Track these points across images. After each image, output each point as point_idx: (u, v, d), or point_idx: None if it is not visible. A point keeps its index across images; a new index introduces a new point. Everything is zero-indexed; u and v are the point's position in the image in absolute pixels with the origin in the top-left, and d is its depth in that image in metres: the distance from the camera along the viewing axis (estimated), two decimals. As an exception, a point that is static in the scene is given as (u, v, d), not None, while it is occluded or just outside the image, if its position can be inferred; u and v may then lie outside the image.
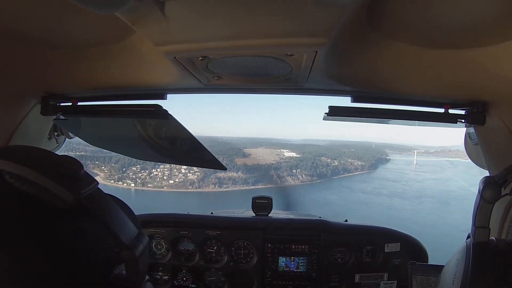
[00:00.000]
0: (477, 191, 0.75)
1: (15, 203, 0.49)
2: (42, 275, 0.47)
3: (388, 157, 37.97)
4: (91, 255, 0.55)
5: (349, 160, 35.14)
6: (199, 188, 27.91)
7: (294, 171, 32.69)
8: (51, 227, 0.51)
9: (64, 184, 0.51)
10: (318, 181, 31.98)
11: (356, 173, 34.29)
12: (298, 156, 34.56)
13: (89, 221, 0.55)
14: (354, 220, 2.05)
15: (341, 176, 33.57)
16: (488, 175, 0.75)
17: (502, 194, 0.71)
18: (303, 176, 32.26)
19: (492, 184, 0.70)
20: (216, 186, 28.78)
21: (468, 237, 0.77)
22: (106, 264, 0.56)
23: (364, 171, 34.47)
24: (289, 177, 31.97)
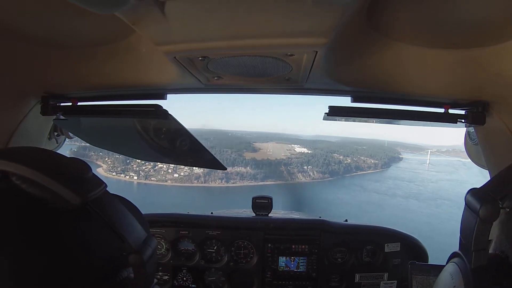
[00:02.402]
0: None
1: (21, 204, 0.49)
2: (46, 277, 0.47)
3: (400, 156, 37.44)
4: (97, 258, 0.54)
5: (362, 157, 34.50)
6: (205, 183, 27.29)
7: (305, 167, 31.99)
8: (56, 229, 0.50)
9: (71, 187, 0.50)
10: (330, 178, 31.34)
11: (369, 171, 33.68)
12: (309, 152, 33.85)
13: (95, 223, 0.54)
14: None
15: (354, 174, 32.90)
16: (476, 187, 0.66)
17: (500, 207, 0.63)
18: (315, 173, 31.61)
19: (490, 201, 0.62)
20: (223, 181, 28.13)
21: (454, 256, 0.69)
22: (113, 267, 0.55)
23: (377, 170, 33.87)
24: (299, 173, 31.27)
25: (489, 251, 0.64)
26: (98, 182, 0.56)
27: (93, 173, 0.56)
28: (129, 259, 0.54)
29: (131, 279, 0.56)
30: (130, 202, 0.71)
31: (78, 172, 0.54)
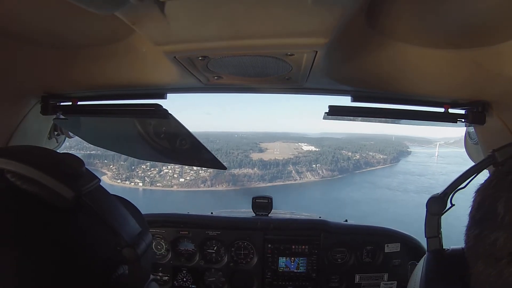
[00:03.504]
0: None
1: (17, 202, 0.49)
2: (42, 275, 0.47)
3: (409, 150, 36.97)
4: (93, 255, 0.54)
5: (370, 153, 34.12)
6: (211, 187, 26.82)
7: (314, 165, 31.46)
8: (52, 226, 0.50)
9: (64, 181, 0.50)
10: (340, 176, 30.77)
11: (378, 167, 33.28)
12: (317, 149, 33.31)
13: (91, 220, 0.54)
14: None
15: (363, 170, 32.38)
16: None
17: (448, 207, 0.79)
18: (324, 171, 31.09)
19: (435, 199, 0.80)
20: (230, 184, 27.66)
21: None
22: (109, 264, 0.55)
23: (387, 165, 33.43)
24: (308, 172, 30.75)
25: None
26: (92, 177, 0.57)
27: (87, 168, 0.57)
28: (122, 252, 0.54)
29: (126, 275, 0.56)
30: (127, 200, 0.72)
31: (71, 167, 0.54)
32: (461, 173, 0.79)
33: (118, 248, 0.54)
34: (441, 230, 0.82)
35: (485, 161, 0.75)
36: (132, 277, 0.56)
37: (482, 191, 0.59)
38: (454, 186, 0.79)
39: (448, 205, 0.80)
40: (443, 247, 0.82)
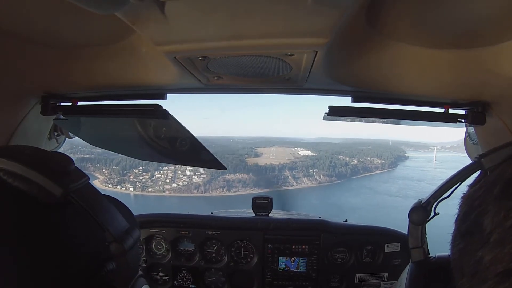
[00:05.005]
0: None
1: (7, 199, 0.50)
2: (32, 271, 0.48)
3: (406, 155, 36.90)
4: (82, 251, 0.55)
5: (368, 158, 33.91)
6: (205, 192, 26.37)
7: (311, 171, 31.16)
8: (42, 222, 0.51)
9: (54, 178, 0.52)
10: (337, 181, 30.52)
11: (376, 172, 33.07)
12: (314, 154, 33.03)
13: (80, 217, 0.55)
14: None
15: (361, 175, 32.19)
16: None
17: (432, 215, 0.76)
18: (321, 176, 30.81)
19: (417, 208, 0.76)
20: (224, 190, 27.19)
21: None
22: (98, 260, 0.56)
23: (385, 170, 33.23)
24: (305, 178, 30.43)
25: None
26: (81, 175, 0.58)
27: (76, 166, 0.58)
28: (110, 247, 0.55)
29: (115, 271, 0.57)
30: (117, 199, 0.73)
31: (60, 165, 0.55)
32: (445, 180, 0.75)
33: (106, 243, 0.55)
34: (426, 237, 0.78)
35: (471, 167, 0.71)
36: (120, 272, 0.57)
37: (468, 199, 0.55)
38: (438, 195, 0.75)
39: (432, 214, 0.76)
40: (429, 255, 0.78)
